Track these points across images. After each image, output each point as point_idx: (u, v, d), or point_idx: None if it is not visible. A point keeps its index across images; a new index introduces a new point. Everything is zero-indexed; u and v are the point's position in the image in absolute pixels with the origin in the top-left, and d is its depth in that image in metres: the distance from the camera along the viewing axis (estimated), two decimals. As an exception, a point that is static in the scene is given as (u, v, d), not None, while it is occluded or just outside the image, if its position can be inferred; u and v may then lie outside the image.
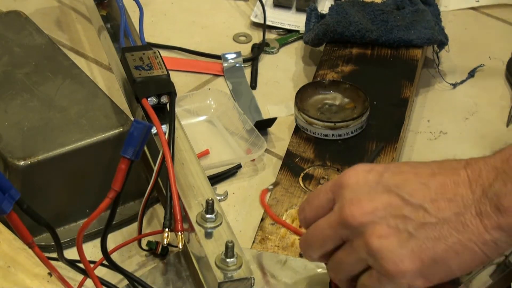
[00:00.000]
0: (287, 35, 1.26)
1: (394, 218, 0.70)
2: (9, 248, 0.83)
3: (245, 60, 1.19)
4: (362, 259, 0.72)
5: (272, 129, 1.07)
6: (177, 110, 0.93)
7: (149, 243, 0.89)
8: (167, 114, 0.91)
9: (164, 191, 0.86)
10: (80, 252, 0.72)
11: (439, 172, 0.71)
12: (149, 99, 0.90)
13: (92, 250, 0.90)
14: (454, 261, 0.70)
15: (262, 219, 0.92)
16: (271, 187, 0.90)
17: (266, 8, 1.28)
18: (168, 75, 0.94)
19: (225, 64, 1.18)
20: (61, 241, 0.74)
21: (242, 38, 1.25)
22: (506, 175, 0.68)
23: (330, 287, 0.82)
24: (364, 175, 0.73)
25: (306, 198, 0.78)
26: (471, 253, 0.69)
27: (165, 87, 0.92)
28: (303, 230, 0.81)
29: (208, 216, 0.81)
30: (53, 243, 0.73)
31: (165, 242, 0.81)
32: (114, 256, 0.83)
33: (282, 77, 1.18)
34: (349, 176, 0.73)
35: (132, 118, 0.94)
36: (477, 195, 0.69)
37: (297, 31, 1.26)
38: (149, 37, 1.11)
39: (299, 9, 1.29)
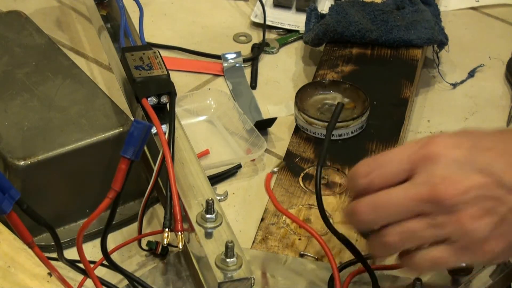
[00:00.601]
0: (287, 35, 1.26)
1: (487, 199, 0.69)
2: (9, 248, 0.83)
3: (245, 60, 1.19)
4: (443, 234, 0.71)
5: (272, 129, 1.07)
6: (177, 110, 0.93)
7: (149, 243, 0.89)
8: (167, 114, 0.91)
9: (164, 191, 0.86)
10: (80, 252, 0.72)
11: None
12: (149, 99, 0.90)
13: (92, 250, 0.90)
14: None
15: (262, 219, 0.92)
16: (275, 169, 0.89)
17: (266, 8, 1.28)
18: (168, 75, 0.94)
19: (225, 64, 1.18)
20: (61, 241, 0.74)
21: (242, 38, 1.25)
22: None
23: (329, 287, 0.83)
24: (452, 150, 0.71)
25: (371, 161, 0.75)
26: None
27: (165, 87, 0.92)
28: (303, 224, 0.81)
29: (208, 216, 0.81)
30: (53, 243, 0.73)
31: (165, 242, 0.81)
32: (114, 256, 0.83)
33: (282, 77, 1.18)
34: (435, 150, 0.71)
35: (132, 118, 0.94)
36: None
37: (297, 31, 1.26)
38: (149, 37, 1.11)
39: (299, 9, 1.29)
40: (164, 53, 1.11)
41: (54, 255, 0.75)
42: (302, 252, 0.89)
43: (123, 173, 0.67)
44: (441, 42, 1.15)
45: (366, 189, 0.74)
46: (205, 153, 1.03)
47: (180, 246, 0.80)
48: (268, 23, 1.26)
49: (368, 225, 0.75)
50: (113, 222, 0.73)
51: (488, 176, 0.70)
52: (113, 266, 0.79)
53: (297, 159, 1.00)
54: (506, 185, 0.69)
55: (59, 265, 0.76)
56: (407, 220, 0.72)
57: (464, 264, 0.82)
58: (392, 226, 0.73)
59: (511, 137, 0.72)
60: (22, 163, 0.86)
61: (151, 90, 0.91)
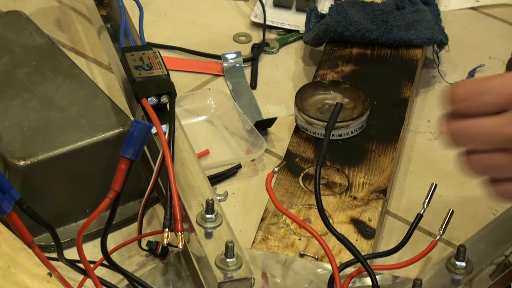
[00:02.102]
0: (287, 35, 1.26)
1: None
2: (9, 248, 0.83)
3: (245, 60, 1.19)
4: None
5: (272, 129, 1.07)
6: (177, 110, 0.93)
7: (149, 243, 0.89)
8: (167, 114, 0.91)
9: (164, 191, 0.86)
10: (80, 252, 0.72)
11: None
12: (149, 99, 0.90)
13: (92, 250, 0.90)
14: None
15: (262, 219, 0.92)
16: (276, 169, 0.89)
17: (266, 8, 1.28)
18: (168, 75, 0.94)
19: (225, 64, 1.18)
20: (61, 241, 0.74)
21: (242, 38, 1.25)
22: None
23: (329, 287, 0.83)
24: None
25: (471, 87, 0.74)
26: None
27: (165, 87, 0.92)
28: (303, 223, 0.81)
29: (208, 216, 0.81)
30: (53, 243, 0.73)
31: (165, 242, 0.81)
32: (114, 256, 0.83)
33: (282, 77, 1.18)
34: None
35: (132, 118, 0.94)
36: None
37: (297, 31, 1.26)
38: (149, 37, 1.11)
39: (299, 9, 1.29)
40: (164, 53, 1.11)
41: (54, 255, 0.75)
42: (302, 252, 0.89)
43: (123, 173, 0.67)
44: (441, 42, 1.15)
45: (461, 113, 0.74)
46: (205, 153, 1.03)
47: (180, 246, 0.80)
48: (268, 23, 1.26)
49: (455, 144, 0.75)
50: (113, 222, 0.73)
51: None
52: (113, 266, 0.79)
53: (297, 159, 1.00)
54: None
55: (59, 265, 0.76)
56: (494, 152, 0.73)
57: None
58: (478, 155, 0.74)
59: None
60: (22, 163, 0.86)
61: (151, 90, 0.91)
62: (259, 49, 1.22)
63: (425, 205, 0.85)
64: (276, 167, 0.89)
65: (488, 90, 0.73)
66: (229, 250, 0.77)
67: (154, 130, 0.89)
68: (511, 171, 0.73)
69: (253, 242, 0.90)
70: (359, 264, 0.83)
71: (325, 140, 0.85)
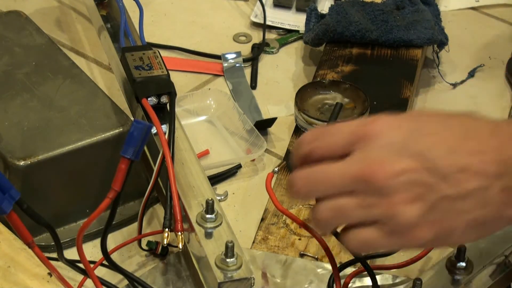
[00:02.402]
0: (287, 35, 1.26)
1: (419, 185, 0.68)
2: (9, 248, 0.83)
3: (245, 60, 1.19)
4: (373, 215, 0.70)
5: (272, 129, 1.07)
6: (177, 110, 0.93)
7: (149, 243, 0.89)
8: (167, 114, 0.91)
9: (164, 191, 0.86)
10: (80, 252, 0.72)
11: (466, 138, 0.69)
12: (149, 99, 0.90)
13: (92, 250, 0.90)
14: (471, 234, 0.69)
15: (262, 219, 0.92)
16: (276, 169, 0.89)
17: (266, 8, 1.28)
18: (168, 75, 0.94)
19: (225, 64, 1.18)
20: (61, 241, 0.74)
21: (242, 38, 1.25)
22: None
23: (329, 287, 0.83)
24: (392, 131, 0.70)
25: (316, 131, 0.74)
26: (490, 226, 0.69)
27: (165, 87, 0.92)
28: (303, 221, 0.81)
29: (208, 216, 0.81)
30: (53, 243, 0.73)
31: (165, 242, 0.81)
32: (114, 256, 0.83)
33: (282, 77, 1.18)
34: (375, 129, 0.70)
35: (132, 118, 0.94)
36: (505, 169, 0.67)
37: (297, 31, 1.26)
38: (149, 37, 1.11)
39: (299, 9, 1.29)
40: (164, 53, 1.11)
41: (54, 255, 0.75)
42: (302, 252, 0.89)
43: (123, 173, 0.67)
44: (441, 42, 1.15)
45: (308, 157, 0.73)
46: (205, 153, 1.03)
47: (180, 246, 0.80)
48: (268, 23, 1.26)
49: (303, 197, 0.74)
50: (113, 222, 0.73)
51: (422, 161, 0.68)
52: (113, 266, 0.79)
53: (297, 159, 1.00)
54: (440, 172, 0.68)
55: (59, 265, 0.76)
56: (340, 197, 0.71)
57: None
58: (325, 201, 0.72)
59: (461, 122, 0.70)
60: (22, 163, 0.86)
61: (151, 90, 0.91)
62: (259, 49, 1.22)
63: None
64: (276, 167, 0.89)
65: (333, 132, 0.72)
66: (229, 250, 0.77)
67: (154, 130, 0.89)
68: (361, 214, 0.71)
69: (253, 242, 0.90)
70: (359, 264, 0.83)
71: None
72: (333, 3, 1.20)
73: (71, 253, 0.80)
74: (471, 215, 0.68)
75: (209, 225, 0.81)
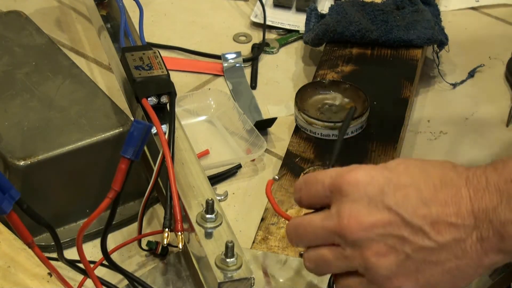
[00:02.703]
0: (287, 35, 1.26)
1: (392, 238, 0.70)
2: (9, 248, 0.83)
3: (245, 60, 1.19)
4: (352, 266, 0.73)
5: (272, 129, 1.07)
6: (177, 110, 0.93)
7: (149, 243, 0.89)
8: (167, 114, 0.91)
9: (164, 191, 0.86)
10: (80, 252, 0.72)
11: (441, 189, 0.70)
12: (149, 99, 0.90)
13: (92, 250, 0.90)
14: (448, 283, 0.70)
15: (262, 219, 0.92)
16: (277, 177, 0.90)
17: (266, 8, 1.28)
18: (168, 75, 0.94)
19: (225, 64, 1.18)
20: (61, 241, 0.74)
21: (242, 38, 1.25)
22: (510, 198, 0.67)
23: (329, 287, 0.83)
24: (365, 186, 0.71)
25: (305, 179, 0.76)
26: (467, 275, 0.70)
27: (165, 87, 0.92)
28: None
29: (208, 216, 0.81)
30: (53, 243, 0.73)
31: (165, 242, 0.81)
32: (114, 256, 0.83)
33: (282, 77, 1.18)
34: (350, 182, 0.72)
35: (132, 118, 0.94)
36: (480, 220, 0.68)
37: (297, 31, 1.26)
38: (149, 37, 1.11)
39: (299, 9, 1.29)
40: (164, 53, 1.11)
41: (54, 255, 0.76)
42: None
43: (123, 173, 0.67)
44: (441, 42, 1.15)
45: (299, 204, 0.77)
46: (205, 153, 1.03)
47: (180, 246, 0.80)
48: (268, 23, 1.26)
49: (294, 244, 0.78)
50: (113, 222, 0.73)
51: (395, 215, 0.69)
52: (113, 266, 0.79)
53: (297, 159, 1.00)
54: (413, 225, 0.69)
55: (59, 265, 0.76)
56: (323, 247, 0.74)
57: None
58: (311, 251, 0.75)
59: (437, 172, 0.71)
60: (22, 163, 0.86)
61: (151, 90, 0.91)
62: (259, 49, 1.22)
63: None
64: (276, 175, 0.90)
65: (315, 182, 0.75)
66: (229, 250, 0.77)
67: (154, 130, 0.89)
68: (342, 265, 0.73)
69: (253, 242, 0.90)
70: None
71: (338, 142, 0.86)
72: (333, 3, 1.20)
73: (71, 253, 0.80)
74: (448, 265, 0.69)
75: (209, 225, 0.81)
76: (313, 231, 0.74)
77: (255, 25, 1.28)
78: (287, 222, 0.78)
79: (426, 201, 0.69)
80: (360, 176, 0.72)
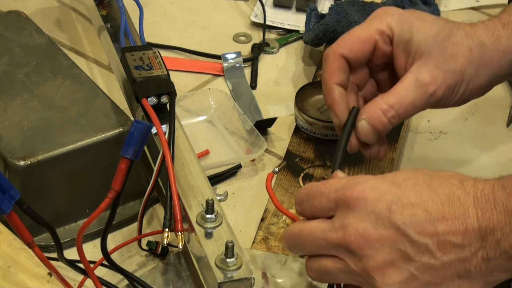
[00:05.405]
0: (287, 35, 1.26)
1: (398, 256, 0.70)
2: (9, 248, 0.83)
3: (245, 60, 1.19)
4: (356, 280, 0.73)
5: (272, 129, 1.07)
6: (177, 110, 0.93)
7: (149, 243, 0.89)
8: (167, 114, 0.91)
9: (164, 191, 0.86)
10: (80, 252, 0.72)
11: (449, 208, 0.69)
12: (149, 99, 0.90)
13: (92, 250, 0.90)
14: None
15: (262, 219, 0.92)
16: (277, 169, 0.90)
17: (266, 8, 1.28)
18: (168, 75, 0.94)
19: (225, 64, 1.18)
20: (61, 241, 0.74)
21: (242, 38, 1.25)
22: None
23: (329, 287, 0.83)
24: (372, 203, 0.71)
25: (306, 190, 0.77)
26: None
27: (165, 87, 0.92)
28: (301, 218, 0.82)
29: (208, 216, 0.81)
30: (53, 243, 0.73)
31: (165, 242, 0.81)
32: (114, 256, 0.83)
33: (282, 77, 1.18)
34: (357, 199, 0.72)
35: (132, 118, 0.94)
36: (487, 241, 0.68)
37: (297, 31, 1.26)
38: (149, 37, 1.11)
39: (299, 9, 1.29)
40: (164, 53, 1.11)
41: (54, 255, 0.76)
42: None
43: (123, 173, 0.67)
44: (441, 42, 1.15)
45: (301, 215, 0.77)
46: (205, 153, 1.03)
47: (180, 246, 0.80)
48: (268, 23, 1.27)
49: (292, 252, 0.79)
50: (113, 222, 0.73)
51: (402, 234, 0.70)
52: (113, 266, 0.79)
53: (297, 159, 1.00)
54: (420, 245, 0.69)
55: (59, 265, 0.76)
56: (325, 257, 0.74)
57: None
58: (313, 260, 0.76)
59: (445, 189, 0.71)
60: (22, 163, 0.86)
61: (151, 90, 0.91)
62: (259, 49, 1.22)
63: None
64: (276, 167, 0.90)
65: (318, 194, 0.75)
66: (229, 250, 0.77)
67: (154, 130, 0.89)
68: (345, 278, 0.74)
69: (253, 242, 0.90)
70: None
71: (342, 144, 0.86)
72: (333, 3, 1.20)
73: (71, 253, 0.80)
74: (453, 283, 0.69)
75: (209, 225, 0.81)
76: (314, 241, 0.74)
77: (255, 25, 1.28)
78: (287, 222, 0.78)
79: (433, 221, 0.69)
80: (368, 192, 0.72)
